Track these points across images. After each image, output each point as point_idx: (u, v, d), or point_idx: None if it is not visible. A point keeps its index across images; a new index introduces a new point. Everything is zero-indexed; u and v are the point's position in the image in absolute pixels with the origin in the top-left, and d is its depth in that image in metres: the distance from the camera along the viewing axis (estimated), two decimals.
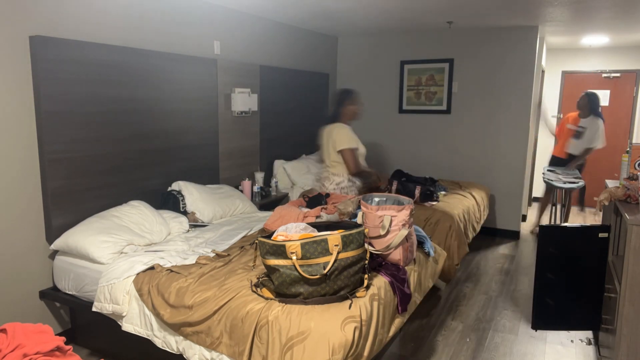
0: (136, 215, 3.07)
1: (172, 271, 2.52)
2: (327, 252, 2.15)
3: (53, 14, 2.81)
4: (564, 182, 4.50)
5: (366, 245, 2.28)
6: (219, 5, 4.08)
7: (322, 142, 3.88)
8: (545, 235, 2.97)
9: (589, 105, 5.23)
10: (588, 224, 2.93)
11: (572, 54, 7.01)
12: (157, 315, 2.37)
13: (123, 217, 3.02)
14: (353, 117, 3.81)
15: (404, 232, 2.58)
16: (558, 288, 3.00)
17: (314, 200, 3.88)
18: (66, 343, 2.07)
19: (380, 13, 4.45)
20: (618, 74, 6.77)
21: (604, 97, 6.90)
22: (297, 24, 5.15)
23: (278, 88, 4.94)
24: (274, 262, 2.18)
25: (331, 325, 2.00)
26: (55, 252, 2.94)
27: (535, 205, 7.28)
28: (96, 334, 2.89)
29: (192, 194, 3.56)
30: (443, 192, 4.68)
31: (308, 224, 2.55)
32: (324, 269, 2.13)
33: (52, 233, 2.87)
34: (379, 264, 2.61)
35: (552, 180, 4.61)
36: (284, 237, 2.29)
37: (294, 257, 2.14)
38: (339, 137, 3.69)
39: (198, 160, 3.96)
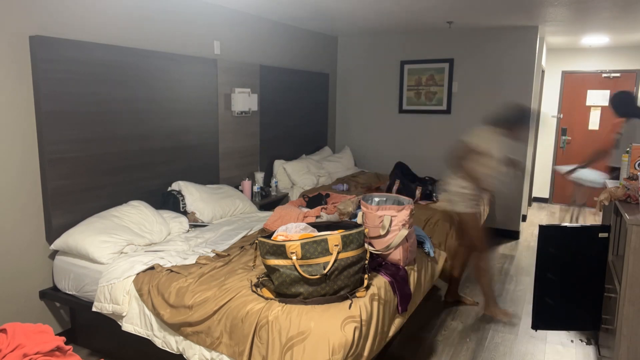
0: (136, 215, 3.07)
1: (172, 271, 2.52)
2: (327, 252, 2.15)
3: (53, 14, 2.81)
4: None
5: (366, 245, 2.28)
6: (219, 5, 4.08)
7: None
8: (545, 235, 2.97)
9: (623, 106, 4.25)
10: (588, 224, 2.93)
11: (572, 54, 7.01)
12: (157, 315, 2.37)
13: (123, 217, 3.02)
14: (512, 138, 3.37)
15: (404, 232, 2.58)
16: (558, 288, 3.00)
17: (314, 200, 3.88)
18: (66, 343, 2.07)
19: (380, 13, 4.45)
20: (618, 74, 6.77)
21: (603, 97, 6.90)
22: (297, 24, 5.15)
23: (278, 88, 4.94)
24: (274, 262, 2.18)
25: (331, 325, 2.00)
26: (55, 252, 2.94)
27: (535, 205, 7.28)
28: (96, 334, 2.89)
29: (192, 194, 3.56)
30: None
31: (308, 224, 2.55)
32: (324, 269, 2.13)
33: (52, 233, 2.87)
34: (379, 264, 2.61)
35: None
36: (284, 237, 2.29)
37: (294, 257, 2.14)
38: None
39: (198, 160, 3.96)
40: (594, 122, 7.01)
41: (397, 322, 2.46)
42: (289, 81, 5.12)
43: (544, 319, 3.08)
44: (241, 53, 4.43)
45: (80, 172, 2.99)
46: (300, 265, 2.14)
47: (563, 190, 7.34)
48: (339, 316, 2.05)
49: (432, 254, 3.04)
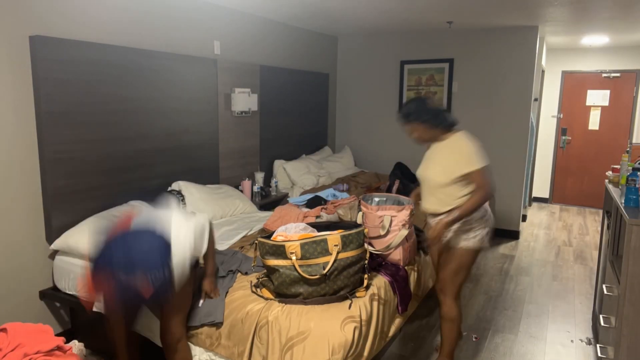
0: None
1: None
2: (326, 252, 2.15)
3: (53, 14, 2.81)
4: None
5: (366, 245, 2.28)
6: (219, 5, 4.08)
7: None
8: None
9: None
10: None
11: (572, 54, 7.01)
12: (157, 315, 2.37)
13: None
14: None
15: (404, 232, 2.58)
16: None
17: (314, 200, 3.88)
18: (66, 343, 2.07)
19: (380, 13, 4.45)
20: (618, 74, 6.76)
21: (603, 97, 6.89)
22: (297, 24, 5.15)
23: (278, 88, 4.94)
24: (273, 262, 2.18)
25: (331, 325, 2.00)
26: (55, 252, 2.94)
27: (535, 205, 7.28)
28: (96, 334, 2.89)
29: (192, 194, 3.56)
30: None
31: (308, 224, 2.55)
32: (324, 269, 2.13)
33: (52, 233, 2.87)
34: (379, 264, 2.61)
35: None
36: (283, 237, 2.29)
37: (294, 257, 2.14)
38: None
39: (198, 160, 3.96)
40: (594, 122, 7.01)
41: (397, 322, 2.46)
42: (289, 81, 5.12)
43: None
44: (241, 53, 4.43)
45: (80, 172, 2.99)
46: (299, 266, 2.14)
47: (563, 190, 7.34)
48: (338, 316, 2.05)
49: None
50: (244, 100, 4.30)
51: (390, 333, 2.38)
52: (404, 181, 4.45)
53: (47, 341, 1.64)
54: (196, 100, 3.87)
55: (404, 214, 2.60)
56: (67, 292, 2.83)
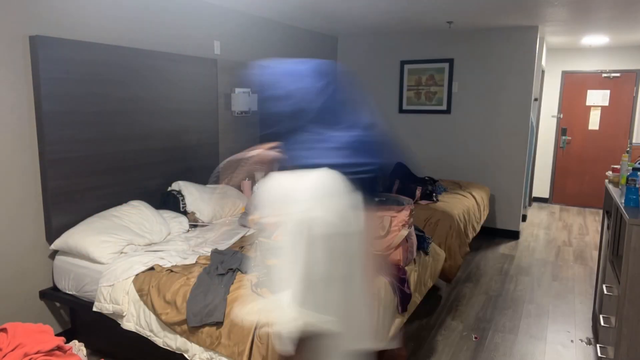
0: (136, 215, 3.07)
1: (172, 271, 2.52)
2: None
3: (53, 14, 2.81)
4: None
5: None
6: (219, 5, 4.08)
7: None
8: None
9: None
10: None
11: (572, 54, 7.01)
12: (157, 315, 2.37)
13: (123, 217, 3.02)
14: None
15: (404, 232, 2.58)
16: None
17: None
18: (66, 343, 2.07)
19: (380, 13, 4.45)
20: (618, 74, 6.77)
21: (603, 97, 6.89)
22: (297, 24, 5.15)
23: None
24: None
25: None
26: (55, 252, 2.94)
27: (535, 205, 7.28)
28: (96, 334, 2.89)
29: (192, 194, 3.56)
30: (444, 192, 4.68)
31: None
32: None
33: (52, 233, 2.87)
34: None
35: None
36: None
37: None
38: None
39: (198, 160, 3.96)
40: (594, 122, 7.01)
41: (397, 322, 2.46)
42: None
43: None
44: (241, 53, 4.43)
45: (80, 172, 2.99)
46: None
47: (563, 190, 7.34)
48: None
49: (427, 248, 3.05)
50: (244, 100, 4.30)
51: (390, 333, 2.38)
52: (404, 181, 4.45)
53: (47, 341, 1.65)
54: (196, 100, 3.87)
55: (404, 214, 2.60)
56: (67, 292, 2.83)
